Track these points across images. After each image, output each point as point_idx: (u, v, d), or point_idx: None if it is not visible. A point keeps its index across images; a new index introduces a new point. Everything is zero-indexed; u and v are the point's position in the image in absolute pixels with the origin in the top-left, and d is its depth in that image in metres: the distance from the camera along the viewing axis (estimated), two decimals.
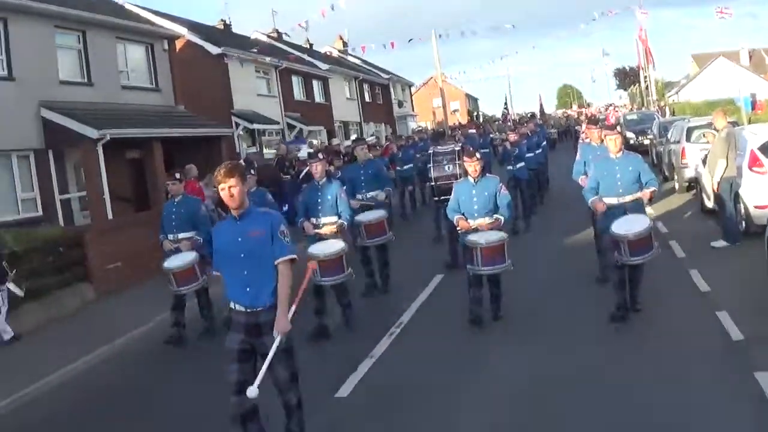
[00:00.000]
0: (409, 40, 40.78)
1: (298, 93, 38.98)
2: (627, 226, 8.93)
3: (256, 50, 34.04)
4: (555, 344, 8.66)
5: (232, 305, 5.99)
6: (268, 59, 34.48)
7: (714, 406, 6.40)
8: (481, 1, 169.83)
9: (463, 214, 9.64)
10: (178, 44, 26.63)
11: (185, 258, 10.58)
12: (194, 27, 31.30)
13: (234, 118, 30.07)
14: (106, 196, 18.76)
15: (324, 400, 7.51)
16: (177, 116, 23.99)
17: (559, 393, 7.15)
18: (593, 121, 19.43)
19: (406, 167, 20.35)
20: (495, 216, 9.57)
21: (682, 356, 7.67)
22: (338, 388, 7.96)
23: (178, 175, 11.20)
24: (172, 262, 10.61)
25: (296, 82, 38.97)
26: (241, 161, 19.84)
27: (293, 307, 5.90)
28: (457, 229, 9.84)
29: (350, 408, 7.47)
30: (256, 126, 31.18)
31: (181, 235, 10.80)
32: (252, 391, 5.67)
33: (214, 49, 30.88)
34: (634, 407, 6.56)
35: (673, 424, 6.17)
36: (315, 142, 33.70)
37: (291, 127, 35.71)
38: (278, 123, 34.32)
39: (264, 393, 5.78)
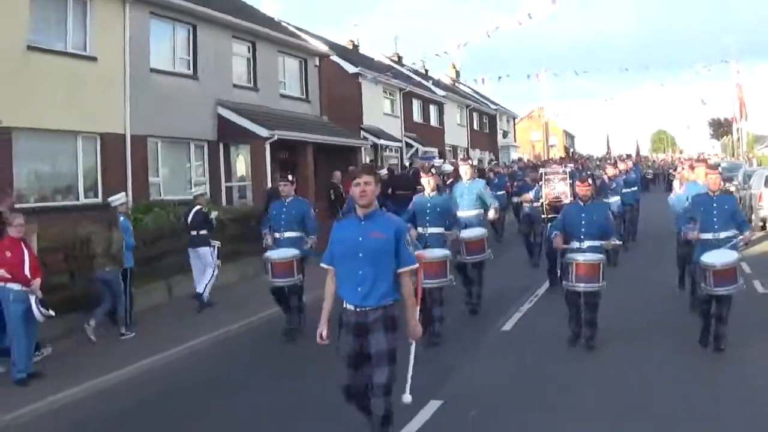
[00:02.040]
0: (528, 76, 42.53)
1: (417, 115, 41.66)
2: (715, 258, 9.34)
3: (390, 74, 36.73)
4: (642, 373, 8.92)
5: (344, 305, 6.08)
6: (395, 82, 37.19)
7: None
8: (588, 43, 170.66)
9: (567, 234, 10.02)
10: None
11: (287, 252, 11.03)
12: (332, 46, 34.18)
13: (363, 133, 32.69)
14: (267, 187, 21.51)
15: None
16: (324, 125, 26.89)
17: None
18: (702, 159, 20.53)
19: (498, 193, 20.47)
20: (611, 242, 10.05)
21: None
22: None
23: (290, 177, 11.76)
24: (275, 254, 11.12)
25: (416, 105, 41.67)
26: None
27: (417, 310, 6.17)
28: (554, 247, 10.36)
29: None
30: (381, 142, 33.83)
31: (287, 234, 11.25)
32: (406, 398, 6.19)
33: (350, 68, 33.73)
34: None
35: None
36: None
37: (409, 145, 38.30)
38: (399, 141, 37.01)
39: None
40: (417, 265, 6.14)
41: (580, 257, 9.71)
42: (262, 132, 21.52)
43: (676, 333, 10.44)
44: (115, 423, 8.27)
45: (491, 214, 12.68)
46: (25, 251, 9.35)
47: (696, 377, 8.64)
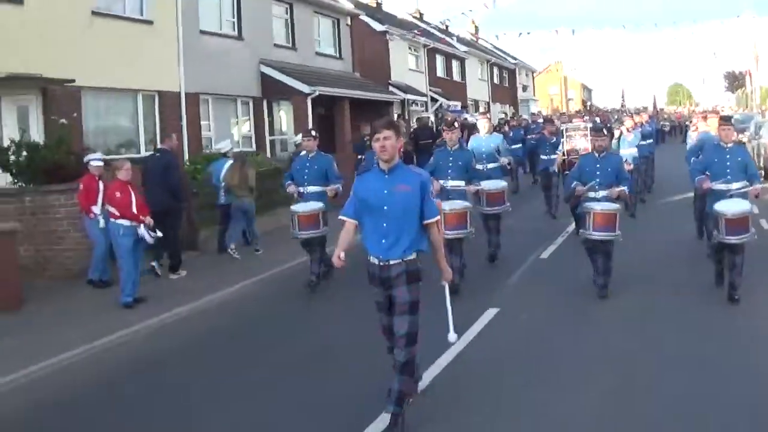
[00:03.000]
0: (555, 30, 43.45)
1: (441, 70, 42.92)
2: (728, 206, 9.50)
3: (417, 31, 37.94)
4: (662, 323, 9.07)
5: (369, 257, 6.13)
6: (422, 39, 38.42)
7: None
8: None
9: (583, 184, 10.17)
10: None
11: (312, 206, 11.18)
12: (358, 5, 35.40)
13: (391, 88, 34.03)
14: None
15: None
16: (357, 82, 28.40)
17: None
18: (715, 111, 19.68)
19: (514, 147, 21.05)
20: (616, 190, 10.07)
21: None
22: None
23: (313, 133, 11.88)
24: (300, 207, 11.29)
25: (439, 60, 42.91)
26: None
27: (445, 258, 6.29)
28: (575, 196, 10.48)
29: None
30: (408, 96, 35.17)
31: (310, 189, 11.38)
32: (452, 337, 6.42)
33: (378, 26, 34.95)
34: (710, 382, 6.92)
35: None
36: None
37: (434, 100, 39.60)
38: (425, 95, 38.33)
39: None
40: (440, 216, 6.25)
41: (597, 206, 9.93)
42: (304, 88, 23.06)
43: (690, 281, 10.74)
44: (222, 335, 9.75)
45: (504, 161, 13.14)
46: (132, 192, 10.92)
47: (707, 325, 8.81)
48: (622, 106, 68.10)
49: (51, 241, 12.76)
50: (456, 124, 12.04)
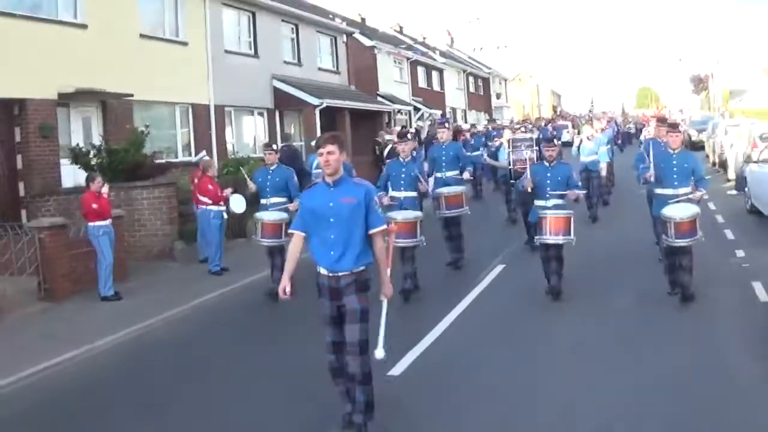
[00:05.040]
0: (521, 46, 46.69)
1: (422, 81, 46.28)
2: (675, 211, 9.74)
3: (404, 46, 41.30)
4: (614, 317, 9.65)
5: (318, 269, 6.19)
6: (410, 53, 41.83)
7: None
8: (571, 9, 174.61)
9: (533, 192, 10.73)
10: None
11: (278, 215, 11.56)
12: (347, 21, 38.51)
13: (379, 98, 37.19)
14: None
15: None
16: (354, 94, 31.74)
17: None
18: (662, 119, 18.68)
19: (474, 153, 21.38)
20: (576, 192, 10.64)
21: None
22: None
23: (274, 146, 12.44)
24: (265, 215, 11.67)
25: (421, 72, 46.29)
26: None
27: (388, 270, 6.21)
28: (524, 189, 11.18)
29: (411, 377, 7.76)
30: (395, 106, 38.39)
31: (273, 200, 11.80)
32: (379, 353, 6.16)
33: (367, 42, 38.20)
34: (665, 368, 7.55)
35: None
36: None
37: (416, 109, 42.86)
38: (409, 105, 41.61)
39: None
40: (386, 226, 6.31)
41: (551, 212, 10.35)
42: (313, 100, 26.34)
43: (645, 283, 11.07)
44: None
45: (465, 174, 13.12)
46: (217, 185, 14.43)
47: (661, 328, 9.08)
48: (590, 111, 71.80)
49: (135, 228, 15.72)
50: (409, 136, 12.58)
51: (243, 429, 7.01)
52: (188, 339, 10.40)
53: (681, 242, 9.72)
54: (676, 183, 10.03)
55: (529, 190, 10.77)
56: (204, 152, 18.88)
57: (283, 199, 11.76)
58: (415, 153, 12.17)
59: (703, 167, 11.02)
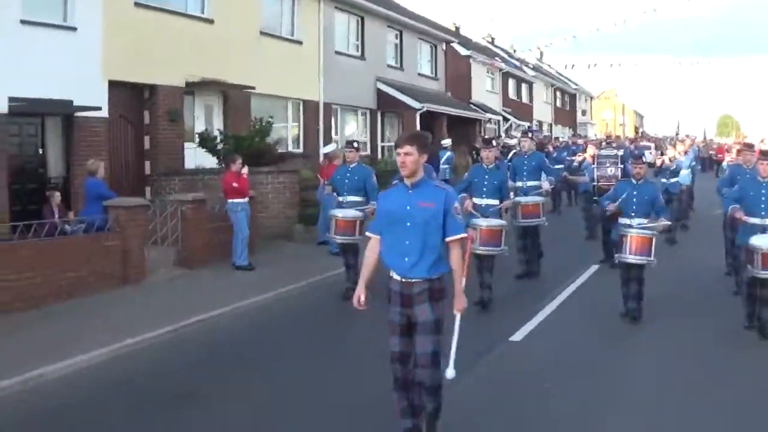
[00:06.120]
0: (611, 66, 47.33)
1: (512, 92, 46.97)
2: (764, 241, 9.16)
3: (498, 58, 42.13)
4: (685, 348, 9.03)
5: (390, 273, 5.89)
6: (503, 65, 42.64)
7: None
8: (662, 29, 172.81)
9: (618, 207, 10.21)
10: None
11: (352, 213, 11.43)
12: (444, 30, 39.48)
13: (472, 106, 38.06)
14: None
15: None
16: (451, 100, 32.73)
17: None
18: (749, 145, 17.82)
19: (556, 167, 20.21)
20: (663, 222, 10.12)
21: None
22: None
23: (355, 144, 12.43)
24: (339, 212, 11.54)
25: (511, 83, 47.02)
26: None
27: (463, 281, 5.85)
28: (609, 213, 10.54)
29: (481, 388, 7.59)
30: (487, 115, 39.21)
31: (349, 198, 11.66)
32: (450, 373, 5.76)
33: (463, 51, 39.08)
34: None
35: None
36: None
37: (505, 119, 43.58)
38: (499, 114, 42.39)
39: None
40: (465, 234, 5.88)
41: (634, 230, 9.94)
42: (415, 104, 27.45)
43: (721, 315, 10.42)
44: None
45: (545, 185, 13.17)
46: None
47: (737, 363, 8.52)
48: (676, 134, 71.39)
49: (258, 210, 16.75)
50: (494, 143, 12.46)
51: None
52: (317, 305, 11.50)
53: (766, 275, 9.12)
54: (763, 213, 9.47)
55: (612, 211, 10.35)
56: (334, 144, 20.06)
57: (360, 198, 11.65)
58: (498, 162, 11.89)
59: None
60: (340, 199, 11.80)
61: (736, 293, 10.84)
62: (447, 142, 24.11)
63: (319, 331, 9.95)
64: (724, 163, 17.16)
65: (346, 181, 11.80)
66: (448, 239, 5.73)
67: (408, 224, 5.72)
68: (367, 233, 6.19)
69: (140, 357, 9.03)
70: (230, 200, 13.90)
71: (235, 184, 13.78)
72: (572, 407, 7.05)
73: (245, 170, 14.06)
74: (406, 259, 5.72)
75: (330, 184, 12.44)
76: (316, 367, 8.38)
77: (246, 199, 13.99)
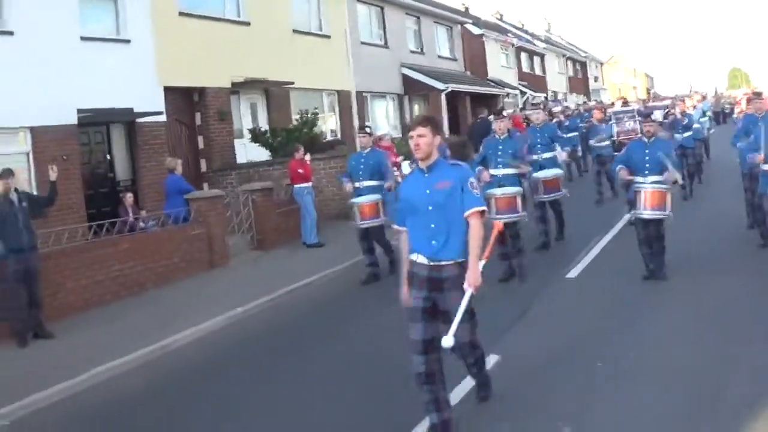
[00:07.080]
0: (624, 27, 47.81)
1: (526, 66, 48.20)
2: None
3: (510, 35, 43.34)
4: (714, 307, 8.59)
5: (414, 257, 5.76)
6: (515, 39, 43.85)
7: None
8: None
9: (630, 169, 9.92)
10: None
11: (372, 197, 11.66)
12: (454, 11, 40.69)
13: (490, 83, 39.31)
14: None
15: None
16: (471, 79, 34.12)
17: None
18: (758, 93, 17.56)
19: (570, 135, 20.68)
20: (673, 174, 9.66)
21: None
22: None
23: (368, 129, 12.59)
24: (360, 198, 11.73)
25: (524, 57, 48.21)
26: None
27: (483, 261, 5.63)
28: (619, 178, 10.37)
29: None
30: (506, 90, 40.48)
31: (365, 183, 11.73)
32: (447, 341, 5.44)
33: (475, 30, 40.30)
34: None
35: None
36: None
37: (522, 93, 44.80)
38: (516, 88, 43.66)
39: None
40: (484, 207, 5.72)
41: (648, 185, 9.74)
42: (439, 86, 28.87)
43: (745, 267, 10.25)
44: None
45: (563, 155, 13.30)
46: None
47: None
48: (690, 91, 72.11)
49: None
50: (504, 113, 12.55)
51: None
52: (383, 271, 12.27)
53: None
54: None
55: (624, 179, 10.22)
56: (388, 132, 21.27)
57: (376, 183, 11.76)
58: (510, 132, 11.73)
59: None
60: (357, 185, 11.80)
61: (764, 245, 10.85)
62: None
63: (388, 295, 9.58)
64: (735, 115, 17.78)
65: (362, 166, 11.84)
66: (465, 213, 5.60)
67: (430, 208, 5.65)
68: (395, 227, 6.14)
69: (253, 321, 10.64)
70: (296, 185, 15.37)
71: (300, 170, 15.24)
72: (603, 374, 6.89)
73: (308, 156, 15.47)
74: (434, 242, 5.64)
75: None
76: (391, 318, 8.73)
77: (310, 183, 15.46)
